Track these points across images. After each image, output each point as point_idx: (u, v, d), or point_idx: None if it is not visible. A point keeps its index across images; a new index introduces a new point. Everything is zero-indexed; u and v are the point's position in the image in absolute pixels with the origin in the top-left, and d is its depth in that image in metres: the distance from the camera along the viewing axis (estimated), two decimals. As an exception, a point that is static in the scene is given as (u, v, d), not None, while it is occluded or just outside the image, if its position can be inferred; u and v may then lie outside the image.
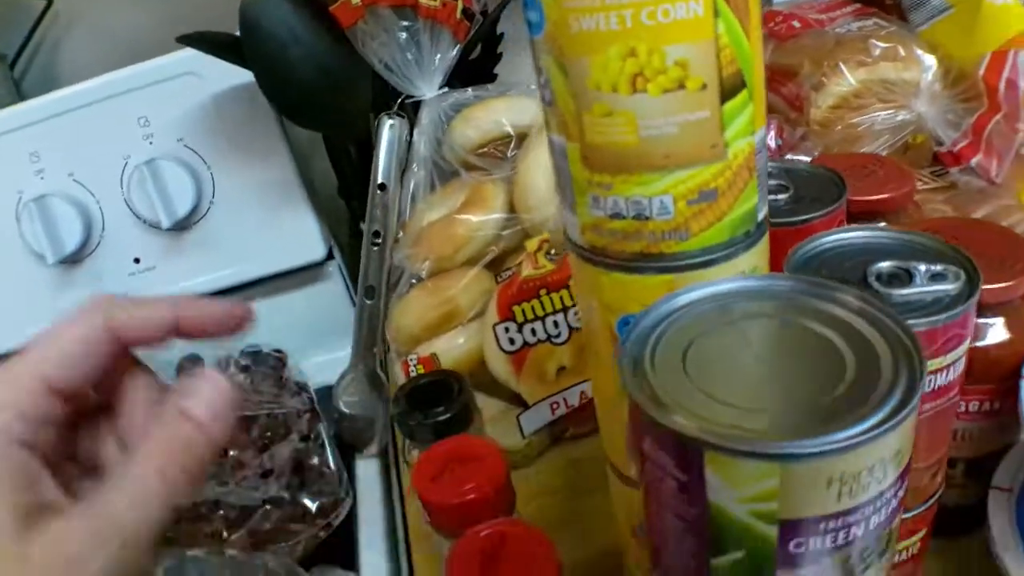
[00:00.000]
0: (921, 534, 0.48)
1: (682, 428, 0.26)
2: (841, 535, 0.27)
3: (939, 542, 0.54)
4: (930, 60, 0.86)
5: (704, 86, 0.32)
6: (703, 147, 0.33)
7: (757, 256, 0.38)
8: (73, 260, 0.84)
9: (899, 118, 0.85)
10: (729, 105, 0.33)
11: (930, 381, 0.39)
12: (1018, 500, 0.50)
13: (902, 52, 0.85)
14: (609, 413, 0.44)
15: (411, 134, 0.71)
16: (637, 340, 0.31)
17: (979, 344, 0.48)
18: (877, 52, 0.85)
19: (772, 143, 0.85)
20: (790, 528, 0.27)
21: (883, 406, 0.26)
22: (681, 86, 0.31)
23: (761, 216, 0.37)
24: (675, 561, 0.31)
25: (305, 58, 0.65)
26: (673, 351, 0.30)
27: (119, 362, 0.37)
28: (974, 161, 0.83)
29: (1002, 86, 0.82)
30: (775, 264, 0.40)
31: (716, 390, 0.28)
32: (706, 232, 0.35)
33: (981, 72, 0.83)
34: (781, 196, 0.52)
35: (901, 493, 0.29)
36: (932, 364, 0.39)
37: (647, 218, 0.35)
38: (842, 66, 0.83)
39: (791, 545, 0.27)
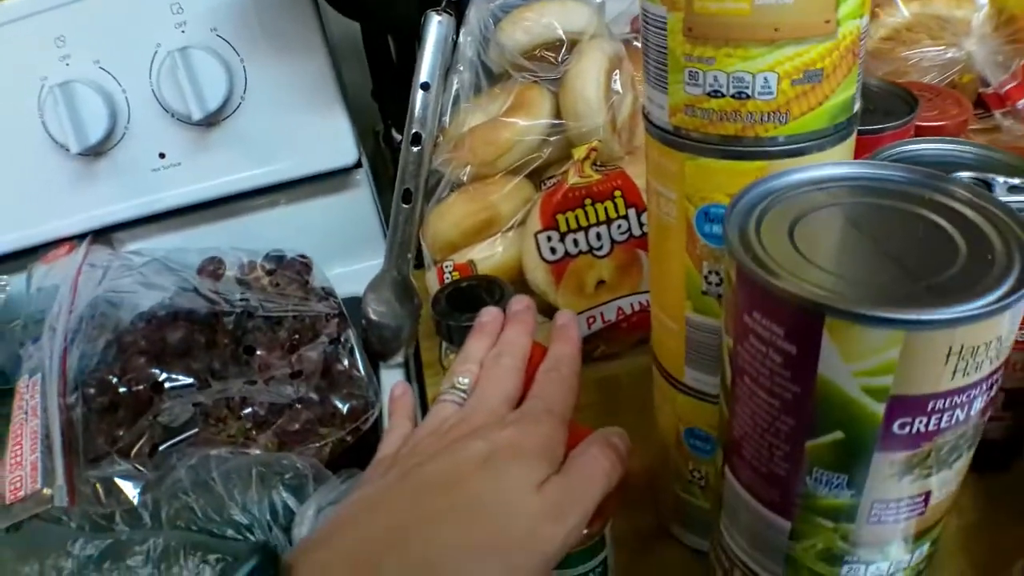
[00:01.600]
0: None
1: (802, 292, 0.25)
2: (946, 417, 0.27)
3: (969, 477, 0.55)
4: (983, 0, 0.85)
5: (827, -47, 0.30)
6: (816, 21, 0.32)
7: (847, 150, 0.37)
8: (96, 151, 0.81)
9: (948, 55, 0.84)
10: (847, -21, 0.31)
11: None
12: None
13: (956, -11, 0.84)
14: (670, 316, 0.43)
15: (457, 33, 0.69)
16: (741, 213, 0.30)
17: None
18: (932, -14, 0.83)
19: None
20: (900, 405, 0.26)
21: (1002, 283, 0.26)
22: (804, -50, 0.30)
23: (856, 108, 0.36)
24: (764, 449, 0.31)
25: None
26: (780, 227, 0.30)
27: None
28: (1021, 103, 0.82)
29: (1053, 30, 0.80)
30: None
31: (828, 264, 0.27)
32: (806, 116, 0.34)
33: (1033, 15, 0.82)
34: (852, 107, 0.50)
35: (999, 383, 0.28)
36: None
37: (747, 97, 0.33)
38: (897, -2, 0.82)
39: (896, 425, 0.27)
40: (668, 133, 0.37)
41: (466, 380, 0.43)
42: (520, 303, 0.48)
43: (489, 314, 0.48)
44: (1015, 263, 0.27)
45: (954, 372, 0.25)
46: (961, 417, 0.27)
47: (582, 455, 0.38)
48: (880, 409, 0.26)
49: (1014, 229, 0.29)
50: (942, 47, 0.83)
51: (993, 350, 0.26)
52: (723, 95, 0.34)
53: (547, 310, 0.68)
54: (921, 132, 0.56)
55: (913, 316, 0.24)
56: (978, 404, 0.27)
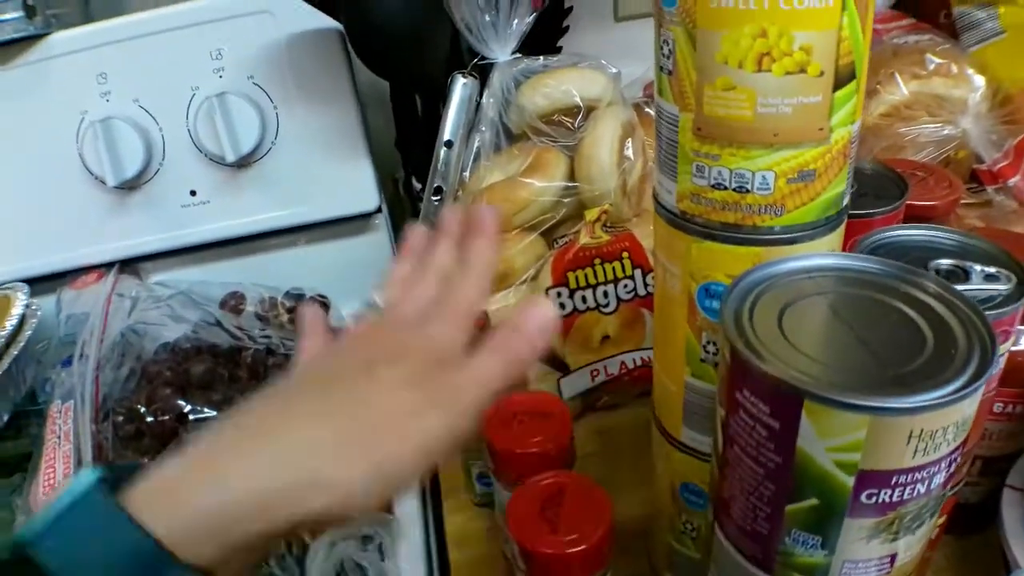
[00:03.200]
0: (941, 520, 0.51)
1: (785, 376, 0.29)
2: (908, 490, 0.30)
3: (946, 538, 0.58)
4: (979, 80, 0.89)
5: (822, 72, 0.34)
6: (811, 129, 0.36)
7: (836, 239, 0.41)
8: (131, 185, 0.85)
9: (944, 132, 0.87)
10: (840, 93, 0.35)
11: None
12: (1030, 500, 0.53)
13: (954, 69, 0.88)
14: (671, 378, 0.47)
15: (480, 95, 0.73)
16: (737, 297, 0.34)
17: (1012, 348, 0.51)
18: (931, 67, 0.87)
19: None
20: (867, 479, 0.30)
21: (960, 375, 0.29)
22: (802, 70, 0.34)
23: (845, 202, 0.40)
24: (749, 510, 0.34)
25: (396, 8, 0.67)
26: (770, 312, 0.33)
27: None
28: (1012, 181, 0.86)
29: (1046, 112, 0.84)
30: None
31: (810, 349, 0.31)
32: (799, 210, 0.38)
33: (1027, 97, 0.85)
34: (846, 191, 0.54)
35: (959, 459, 0.32)
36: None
37: (747, 191, 0.37)
38: (897, 76, 0.86)
39: (864, 495, 0.30)
40: (676, 216, 0.41)
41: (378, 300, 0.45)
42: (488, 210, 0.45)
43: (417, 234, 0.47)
44: (974, 356, 0.31)
45: (915, 452, 0.29)
46: (922, 490, 0.31)
47: (475, 356, 0.38)
48: (850, 481, 0.30)
49: (976, 324, 0.32)
50: (939, 124, 0.87)
51: (951, 433, 0.29)
52: (726, 187, 0.38)
53: (554, 362, 0.72)
54: (912, 211, 0.59)
55: (878, 403, 0.28)
56: (938, 479, 0.31)
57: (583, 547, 0.44)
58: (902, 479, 0.30)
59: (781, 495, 0.32)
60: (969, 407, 0.30)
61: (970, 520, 0.57)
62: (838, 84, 0.35)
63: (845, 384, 0.29)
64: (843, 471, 0.30)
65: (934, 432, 0.29)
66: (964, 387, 0.29)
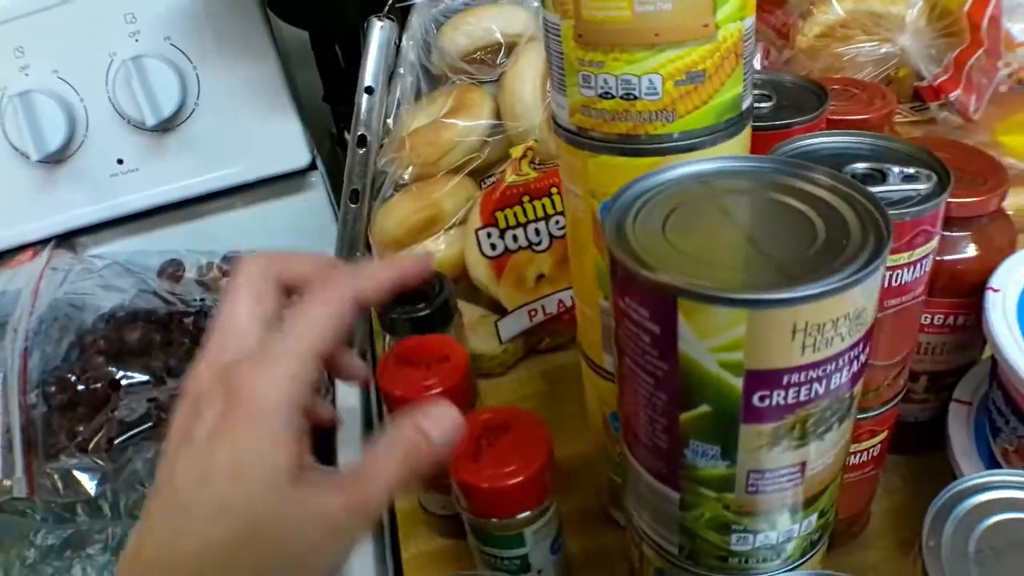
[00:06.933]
0: (882, 436, 0.50)
1: (657, 277, 0.28)
2: (804, 391, 0.29)
3: (898, 458, 0.57)
4: (917, -5, 0.87)
5: (698, -37, 0.33)
6: (695, 25, 0.34)
7: (738, 146, 0.39)
8: (56, 159, 0.83)
9: (883, 51, 0.86)
10: (721, -14, 0.34)
11: (896, 276, 0.41)
12: (977, 413, 0.52)
13: (890, -15, 0.86)
14: (587, 304, 0.46)
15: (400, 39, 0.71)
16: (621, 207, 0.32)
17: (946, 258, 0.50)
18: (866, -17, 0.85)
19: (757, 64, 0.86)
20: (755, 379, 0.28)
21: (850, 265, 0.28)
22: (677, -38, 0.32)
23: (745, 106, 0.38)
24: (646, 424, 0.33)
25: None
26: (654, 219, 0.32)
27: None
28: (953, 95, 0.85)
29: (985, 23, 0.83)
30: (756, 162, 0.42)
31: (694, 251, 0.30)
32: (692, 115, 0.36)
33: (966, 8, 0.84)
34: (765, 104, 0.53)
35: (863, 358, 0.31)
36: (899, 259, 0.40)
37: (635, 97, 0.36)
38: (830, -5, 0.84)
39: (755, 398, 0.29)
40: (570, 133, 0.39)
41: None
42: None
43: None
44: (867, 246, 0.29)
45: (803, 347, 0.28)
46: (820, 391, 0.29)
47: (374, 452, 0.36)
48: (738, 383, 0.28)
49: (871, 211, 0.31)
50: (876, 42, 0.86)
51: (843, 327, 0.28)
52: (613, 96, 0.36)
53: (491, 304, 0.71)
54: (841, 126, 0.58)
55: (753, 296, 0.26)
56: (838, 378, 0.30)
57: (521, 479, 0.44)
58: (795, 378, 0.29)
59: (673, 404, 0.31)
60: (861, 298, 0.28)
61: (922, 438, 0.56)
62: (719, -24, 0.33)
63: (722, 279, 0.28)
64: (729, 372, 0.28)
65: (822, 325, 0.27)
66: (851, 275, 0.27)
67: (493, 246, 0.67)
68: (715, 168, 0.35)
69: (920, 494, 0.56)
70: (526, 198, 0.66)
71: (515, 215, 0.66)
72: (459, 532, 0.53)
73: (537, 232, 0.67)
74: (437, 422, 0.37)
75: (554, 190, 0.66)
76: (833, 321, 0.28)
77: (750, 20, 0.36)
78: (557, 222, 0.67)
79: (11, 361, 0.68)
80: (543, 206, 0.66)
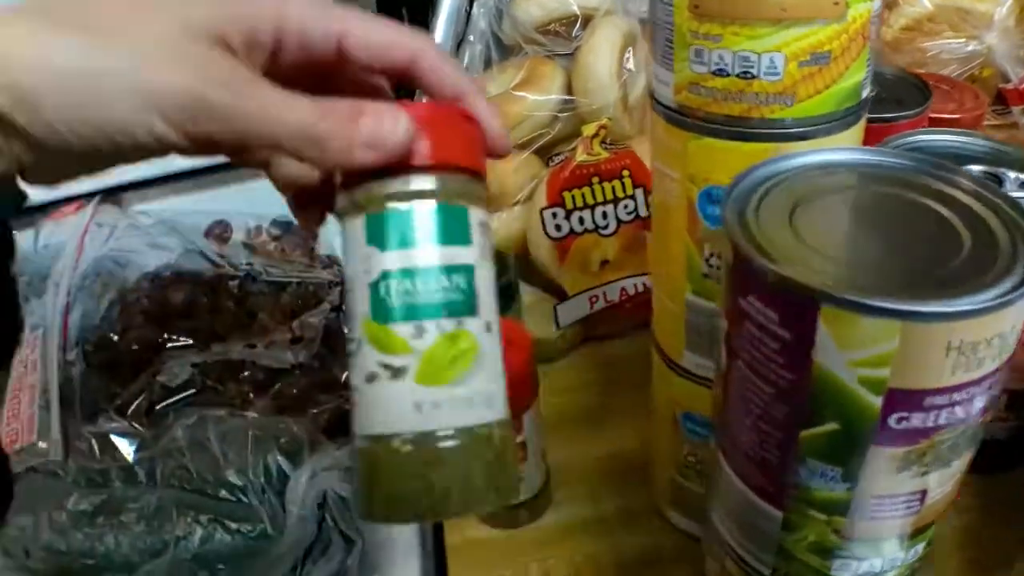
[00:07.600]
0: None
1: (798, 277, 0.25)
2: (944, 414, 0.26)
3: (971, 477, 0.54)
4: (1006, -7, 0.83)
5: (842, -69, 0.29)
6: (825, 3, 0.31)
7: (854, 136, 0.36)
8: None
9: (968, 48, 0.82)
10: (860, -40, 0.30)
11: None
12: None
13: (980, -19, 0.82)
14: (670, 296, 0.43)
15: (470, 5, 0.68)
16: (740, 195, 0.29)
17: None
18: (956, -22, 0.81)
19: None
20: (897, 398, 0.25)
21: (1005, 279, 0.25)
22: (818, -74, 0.29)
23: (864, 94, 0.35)
24: (755, 436, 0.30)
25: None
26: (780, 211, 0.29)
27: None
28: (1039, 100, 0.81)
29: (1077, 26, 0.78)
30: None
31: (828, 250, 0.27)
32: (813, 99, 0.33)
33: (1058, 11, 0.80)
34: (865, 94, 0.49)
35: (1000, 380, 0.28)
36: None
37: (753, 77, 0.33)
38: (919, -12, 0.80)
39: (893, 419, 0.26)
40: (673, 111, 0.36)
41: None
42: None
43: None
44: (1020, 259, 0.26)
45: (954, 367, 0.25)
46: (961, 415, 0.26)
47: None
48: (878, 402, 0.26)
49: (1021, 225, 0.28)
50: (963, 40, 0.81)
51: (995, 347, 0.25)
52: (728, 74, 0.33)
53: (550, 287, 0.68)
54: (935, 124, 0.55)
55: (911, 307, 0.23)
56: (979, 403, 0.27)
57: None
58: (939, 400, 0.26)
59: (794, 419, 0.28)
60: (1015, 316, 0.25)
61: (996, 457, 0.53)
62: (858, -51, 0.30)
63: (871, 286, 0.25)
64: (869, 390, 0.25)
65: (976, 344, 0.24)
66: (1011, 291, 0.24)
67: (558, 227, 0.64)
68: (842, 159, 0.32)
69: (990, 513, 0.53)
70: (596, 179, 0.63)
71: (583, 196, 0.63)
72: (507, 522, 0.51)
73: (604, 215, 0.64)
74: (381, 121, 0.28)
75: (625, 172, 0.63)
76: (987, 340, 0.25)
77: (878, 3, 0.33)
78: (626, 206, 0.64)
79: (52, 316, 0.66)
80: (612, 188, 0.63)
